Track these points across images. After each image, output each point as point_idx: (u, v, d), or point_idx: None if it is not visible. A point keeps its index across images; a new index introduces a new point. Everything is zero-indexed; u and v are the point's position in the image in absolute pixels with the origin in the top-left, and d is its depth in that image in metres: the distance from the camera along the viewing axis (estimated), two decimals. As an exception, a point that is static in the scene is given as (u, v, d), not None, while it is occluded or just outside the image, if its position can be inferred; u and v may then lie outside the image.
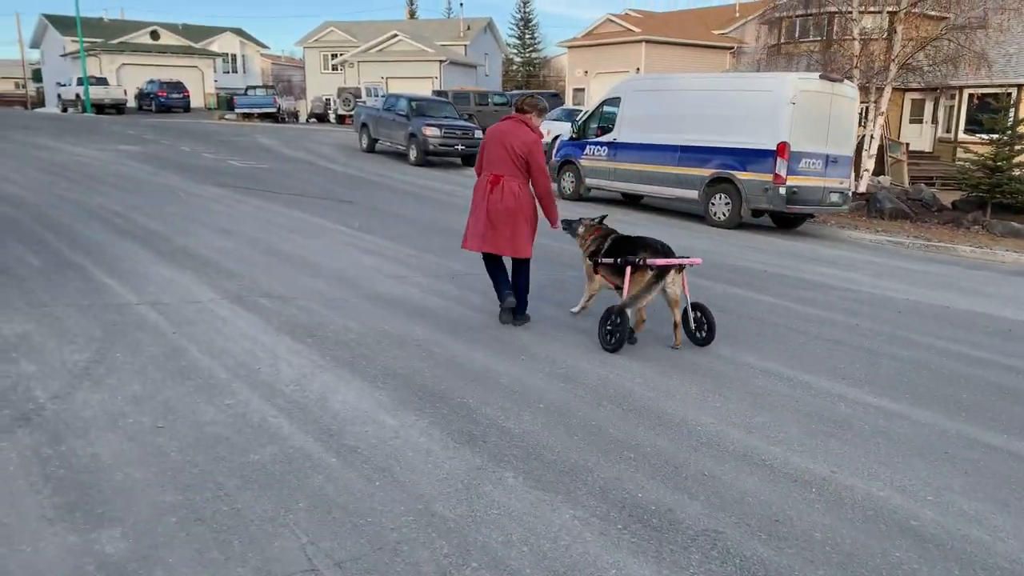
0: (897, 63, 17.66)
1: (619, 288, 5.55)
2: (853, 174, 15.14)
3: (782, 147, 12.00)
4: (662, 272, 5.34)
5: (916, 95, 26.44)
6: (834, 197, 13.03)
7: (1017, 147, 16.33)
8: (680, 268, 5.47)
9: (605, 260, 5.68)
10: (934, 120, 27.05)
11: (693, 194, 13.29)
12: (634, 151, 14.15)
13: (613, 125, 14.76)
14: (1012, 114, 18.98)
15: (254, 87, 42.50)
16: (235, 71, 53.75)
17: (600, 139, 14.91)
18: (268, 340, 5.08)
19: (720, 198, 12.94)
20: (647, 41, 34.05)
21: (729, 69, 33.21)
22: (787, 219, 13.70)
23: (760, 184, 12.28)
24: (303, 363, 4.70)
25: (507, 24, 71.90)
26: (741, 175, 12.52)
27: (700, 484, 3.46)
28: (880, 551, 3.02)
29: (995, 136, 16.94)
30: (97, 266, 6.77)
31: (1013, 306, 8.21)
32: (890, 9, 17.79)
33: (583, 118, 15.97)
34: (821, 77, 12.54)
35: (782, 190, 12.12)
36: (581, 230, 6.10)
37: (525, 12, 63.54)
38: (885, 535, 3.14)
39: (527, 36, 63.69)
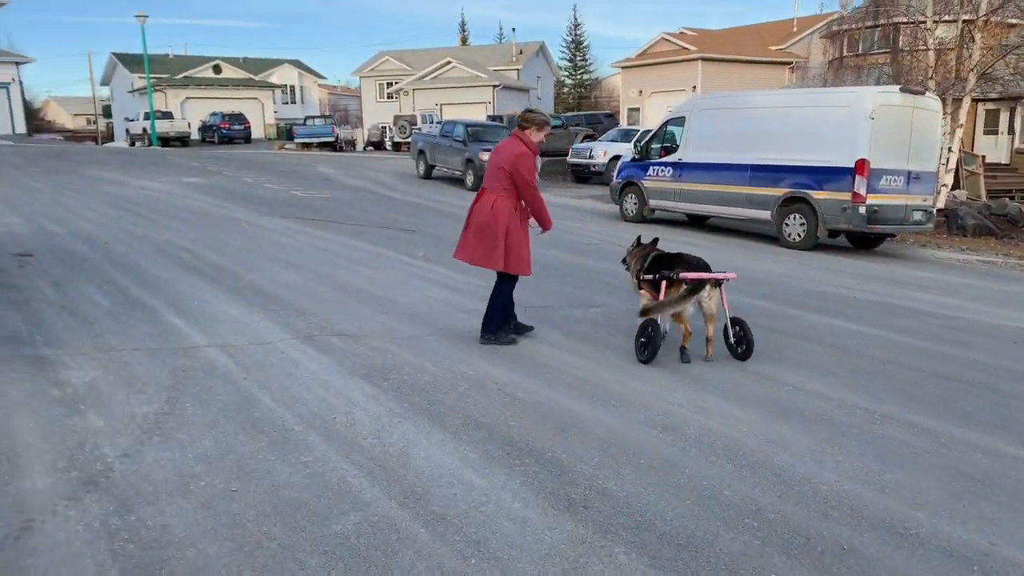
0: (976, 73, 16.82)
1: None
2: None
3: (861, 164, 11.39)
4: (697, 287, 5.36)
5: (991, 105, 25.28)
6: (917, 215, 12.31)
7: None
8: (716, 283, 5.47)
9: (646, 276, 5.74)
10: (1011, 131, 25.79)
11: (765, 215, 12.74)
12: (701, 171, 13.67)
13: (677, 145, 14.31)
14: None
15: (312, 117, 43.41)
16: (293, 101, 55.10)
17: (664, 159, 14.47)
18: (342, 385, 4.80)
19: (794, 218, 12.35)
20: (703, 59, 33.51)
21: (788, 85, 32.39)
22: (866, 239, 12.99)
23: (838, 203, 11.67)
24: (380, 411, 4.39)
25: (558, 47, 72.02)
26: (817, 194, 11.94)
27: (841, 561, 3.00)
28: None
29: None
30: (165, 305, 6.63)
31: None
32: (966, 17, 16.96)
33: (645, 139, 15.56)
34: (902, 90, 11.90)
35: (862, 209, 11.49)
36: (627, 256, 6.23)
37: (576, 35, 63.74)
38: (1080, 632, 2.64)
39: (578, 58, 63.76)
